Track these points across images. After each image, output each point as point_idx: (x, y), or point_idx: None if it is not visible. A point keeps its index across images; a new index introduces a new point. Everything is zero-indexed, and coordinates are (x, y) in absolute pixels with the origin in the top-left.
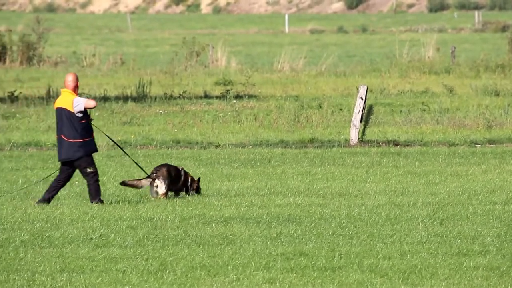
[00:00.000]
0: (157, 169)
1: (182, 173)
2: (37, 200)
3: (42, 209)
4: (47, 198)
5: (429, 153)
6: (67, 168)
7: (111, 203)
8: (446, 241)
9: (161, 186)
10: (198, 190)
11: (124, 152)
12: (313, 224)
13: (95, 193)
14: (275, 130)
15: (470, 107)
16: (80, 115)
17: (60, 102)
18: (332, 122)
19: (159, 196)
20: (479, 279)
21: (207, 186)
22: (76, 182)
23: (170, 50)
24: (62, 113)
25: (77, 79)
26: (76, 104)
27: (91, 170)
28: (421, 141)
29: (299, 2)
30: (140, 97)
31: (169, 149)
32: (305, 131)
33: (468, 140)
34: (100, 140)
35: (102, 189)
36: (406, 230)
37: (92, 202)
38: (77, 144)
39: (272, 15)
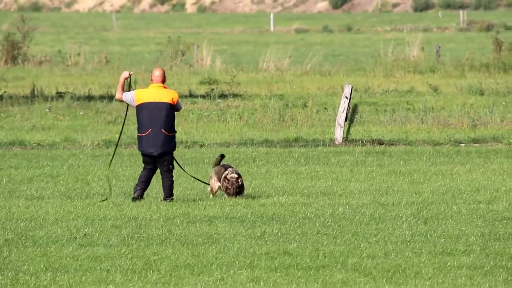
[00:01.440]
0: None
1: None
2: (133, 198)
3: (26, 208)
4: (141, 194)
5: (414, 152)
6: (151, 163)
7: (95, 202)
8: (430, 240)
9: None
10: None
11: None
12: (297, 223)
13: (170, 190)
14: (260, 129)
15: (454, 106)
16: (175, 110)
17: (158, 96)
18: (317, 121)
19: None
20: (463, 278)
21: (191, 185)
22: (61, 181)
23: (155, 49)
24: (162, 107)
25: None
26: (178, 99)
27: (172, 166)
28: (406, 140)
29: (284, 1)
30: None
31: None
32: (290, 130)
33: (453, 139)
34: (85, 139)
35: (86, 188)
36: (391, 229)
37: (166, 199)
38: (173, 137)
39: (257, 14)
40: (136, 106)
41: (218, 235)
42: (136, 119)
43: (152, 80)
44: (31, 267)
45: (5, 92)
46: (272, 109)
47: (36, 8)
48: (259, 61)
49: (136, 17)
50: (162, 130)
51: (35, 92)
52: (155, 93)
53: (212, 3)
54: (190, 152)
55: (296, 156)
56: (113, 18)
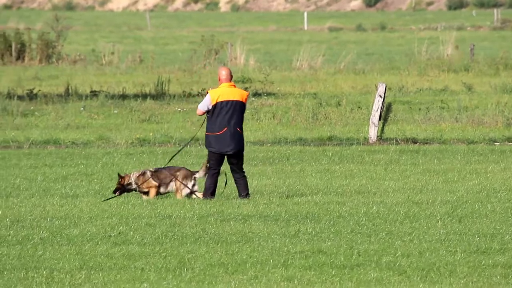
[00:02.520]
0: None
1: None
2: (208, 197)
3: (60, 207)
4: (213, 191)
5: (448, 151)
6: (220, 163)
7: (129, 200)
8: (464, 239)
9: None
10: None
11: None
12: (331, 222)
13: (247, 187)
14: (293, 128)
15: (489, 105)
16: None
17: (232, 95)
18: (350, 120)
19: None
20: (498, 277)
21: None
22: (95, 180)
23: (188, 48)
24: (236, 105)
25: None
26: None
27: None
28: (440, 139)
29: (317, 0)
30: (159, 95)
31: (188, 147)
32: (323, 129)
33: (487, 138)
34: (119, 137)
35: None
36: (425, 228)
37: (244, 197)
38: (243, 135)
39: (291, 12)
40: (212, 105)
41: (252, 233)
42: (207, 119)
43: (220, 80)
44: (66, 265)
45: (39, 90)
46: (306, 108)
47: (70, 7)
48: (292, 59)
49: (169, 16)
50: (238, 129)
51: (70, 91)
52: (229, 92)
53: (246, 1)
54: None
55: (330, 154)
56: (147, 17)
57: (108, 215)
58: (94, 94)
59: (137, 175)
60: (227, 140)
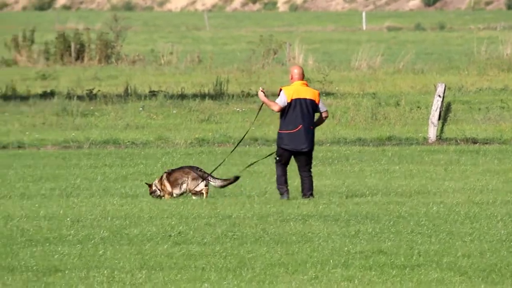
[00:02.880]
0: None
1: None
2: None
3: (120, 206)
4: (287, 189)
5: (508, 151)
6: (289, 160)
7: (189, 201)
8: None
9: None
10: None
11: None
12: (391, 222)
13: (312, 186)
14: (352, 128)
15: None
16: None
17: (305, 93)
18: (410, 119)
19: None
20: None
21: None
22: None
23: (247, 48)
24: (310, 103)
25: None
26: (320, 100)
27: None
28: (500, 139)
29: (376, 0)
30: (218, 95)
31: (247, 146)
32: (382, 129)
33: None
34: (178, 137)
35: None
36: (486, 228)
37: (308, 196)
38: (314, 134)
39: (349, 12)
40: (288, 102)
41: (312, 233)
42: (280, 117)
43: (292, 78)
44: (126, 265)
45: (99, 91)
46: (365, 108)
47: (129, 7)
48: (351, 59)
49: (227, 16)
50: (311, 127)
51: (129, 91)
52: (302, 90)
53: (304, 1)
54: None
55: (390, 154)
56: (205, 17)
57: (168, 214)
58: (153, 94)
59: (157, 181)
60: (302, 137)
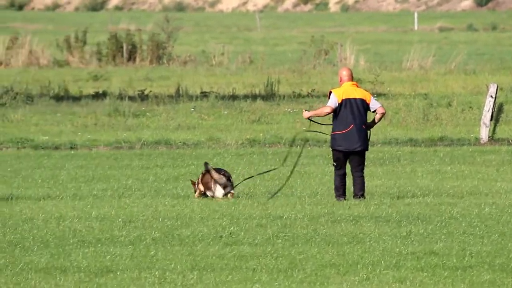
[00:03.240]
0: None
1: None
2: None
3: (172, 207)
4: (344, 192)
5: None
6: (344, 162)
7: (240, 201)
8: None
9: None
10: None
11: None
12: (443, 223)
13: (364, 186)
14: (404, 128)
15: None
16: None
17: (354, 94)
18: (461, 120)
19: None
20: None
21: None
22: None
23: (298, 49)
24: (360, 103)
25: None
26: (372, 99)
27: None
28: None
29: (428, 0)
30: (269, 96)
31: (298, 147)
32: (434, 130)
33: None
34: (229, 138)
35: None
36: None
37: (359, 197)
38: (367, 133)
39: (401, 13)
40: (339, 103)
41: (364, 234)
42: (332, 119)
43: (341, 80)
44: (178, 266)
45: (150, 91)
46: (416, 108)
47: (180, 8)
48: (402, 60)
49: (279, 16)
50: (363, 126)
51: (180, 92)
52: (352, 91)
53: (356, 2)
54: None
55: (441, 155)
56: (257, 18)
57: (219, 215)
58: (204, 95)
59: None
60: (355, 137)
